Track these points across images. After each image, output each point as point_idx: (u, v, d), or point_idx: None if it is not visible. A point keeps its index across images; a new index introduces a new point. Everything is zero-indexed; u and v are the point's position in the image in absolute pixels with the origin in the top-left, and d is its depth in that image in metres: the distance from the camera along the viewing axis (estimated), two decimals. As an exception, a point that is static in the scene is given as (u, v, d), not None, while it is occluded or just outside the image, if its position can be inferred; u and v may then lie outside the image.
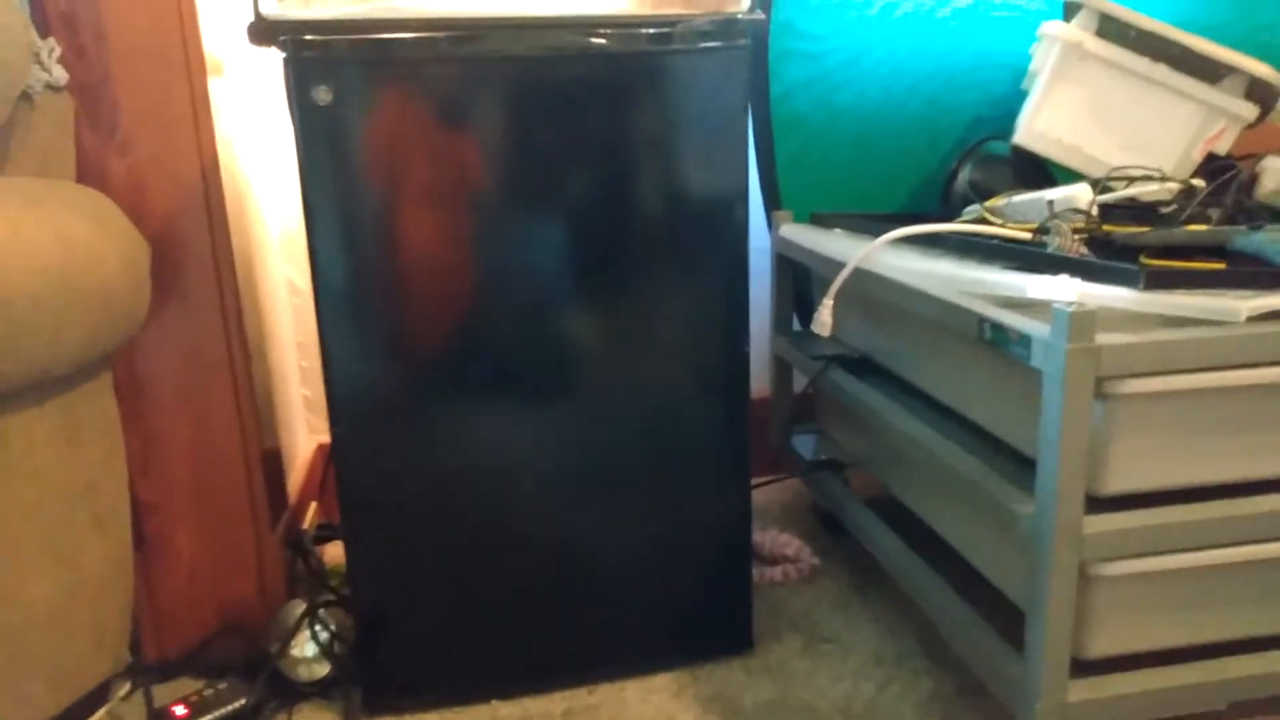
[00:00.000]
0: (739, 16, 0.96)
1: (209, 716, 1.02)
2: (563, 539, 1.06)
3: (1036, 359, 0.77)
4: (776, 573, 1.31)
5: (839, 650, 1.15)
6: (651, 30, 0.95)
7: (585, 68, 0.95)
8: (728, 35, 0.96)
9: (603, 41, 0.94)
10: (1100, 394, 0.77)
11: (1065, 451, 0.76)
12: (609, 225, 0.99)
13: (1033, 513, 0.81)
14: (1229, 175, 1.02)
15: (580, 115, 0.96)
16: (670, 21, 0.95)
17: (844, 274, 1.08)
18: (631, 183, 0.99)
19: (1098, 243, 0.95)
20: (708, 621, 1.13)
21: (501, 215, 0.96)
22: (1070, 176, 1.17)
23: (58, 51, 0.95)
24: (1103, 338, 0.75)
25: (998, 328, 0.82)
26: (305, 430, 1.56)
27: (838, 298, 1.09)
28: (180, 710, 1.02)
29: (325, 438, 1.53)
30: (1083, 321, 0.73)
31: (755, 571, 1.29)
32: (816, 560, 1.34)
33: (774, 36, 1.35)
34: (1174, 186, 1.02)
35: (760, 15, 0.98)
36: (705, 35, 0.96)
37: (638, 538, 1.08)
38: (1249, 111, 1.14)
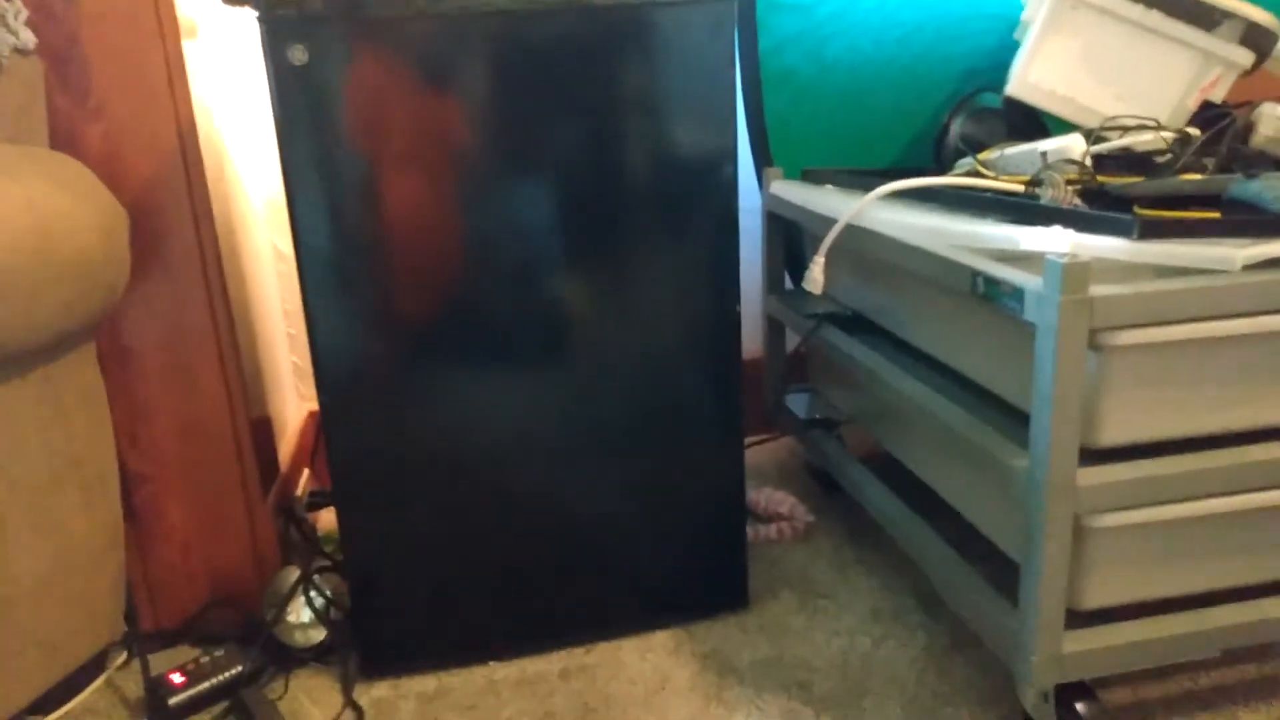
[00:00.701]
0: (725, -32, 0.94)
1: (206, 684, 1.02)
2: (556, 501, 1.05)
3: (1030, 312, 0.76)
4: (771, 530, 1.31)
5: (834, 607, 1.15)
6: (636, -18, 0.93)
7: (569, 23, 0.93)
8: (714, -12, 0.94)
9: (585, -5, 0.92)
10: (1094, 345, 0.76)
11: (1059, 404, 0.75)
12: (595, 184, 0.97)
13: (1027, 466, 0.80)
14: (1224, 123, 1.00)
15: (564, 72, 0.94)
16: (655, -27, 0.93)
17: (835, 231, 1.06)
18: (618, 140, 0.97)
19: (1091, 193, 0.93)
20: (704, 580, 1.13)
21: (485, 176, 0.95)
22: (1064, 128, 1.15)
23: (24, 13, 0.92)
24: (1096, 289, 0.74)
25: (991, 281, 0.81)
26: (295, 397, 1.55)
27: (830, 255, 1.07)
28: (177, 678, 1.02)
29: (315, 405, 1.52)
30: (1076, 273, 0.72)
31: (750, 530, 1.29)
32: (811, 518, 1.34)
33: (762, -12, 1.33)
34: (1169, 136, 1.00)
35: (747, -33, 0.95)
36: (691, -12, 0.94)
37: (632, 498, 1.07)
38: (1245, 58, 1.12)
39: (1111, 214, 0.83)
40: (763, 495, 1.37)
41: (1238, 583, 0.88)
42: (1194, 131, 1.02)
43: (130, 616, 1.11)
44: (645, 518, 1.08)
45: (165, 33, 1.00)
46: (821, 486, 1.46)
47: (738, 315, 1.05)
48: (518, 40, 0.92)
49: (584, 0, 0.92)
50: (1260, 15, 1.11)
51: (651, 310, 1.02)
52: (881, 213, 1.03)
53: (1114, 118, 1.08)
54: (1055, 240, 0.82)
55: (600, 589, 1.09)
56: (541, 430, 1.03)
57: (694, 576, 1.12)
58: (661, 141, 0.98)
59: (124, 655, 1.10)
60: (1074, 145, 1.00)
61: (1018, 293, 0.77)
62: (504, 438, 1.02)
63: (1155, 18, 1.12)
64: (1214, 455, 0.82)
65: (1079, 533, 0.81)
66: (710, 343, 1.05)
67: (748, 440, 1.11)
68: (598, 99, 0.95)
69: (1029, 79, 1.18)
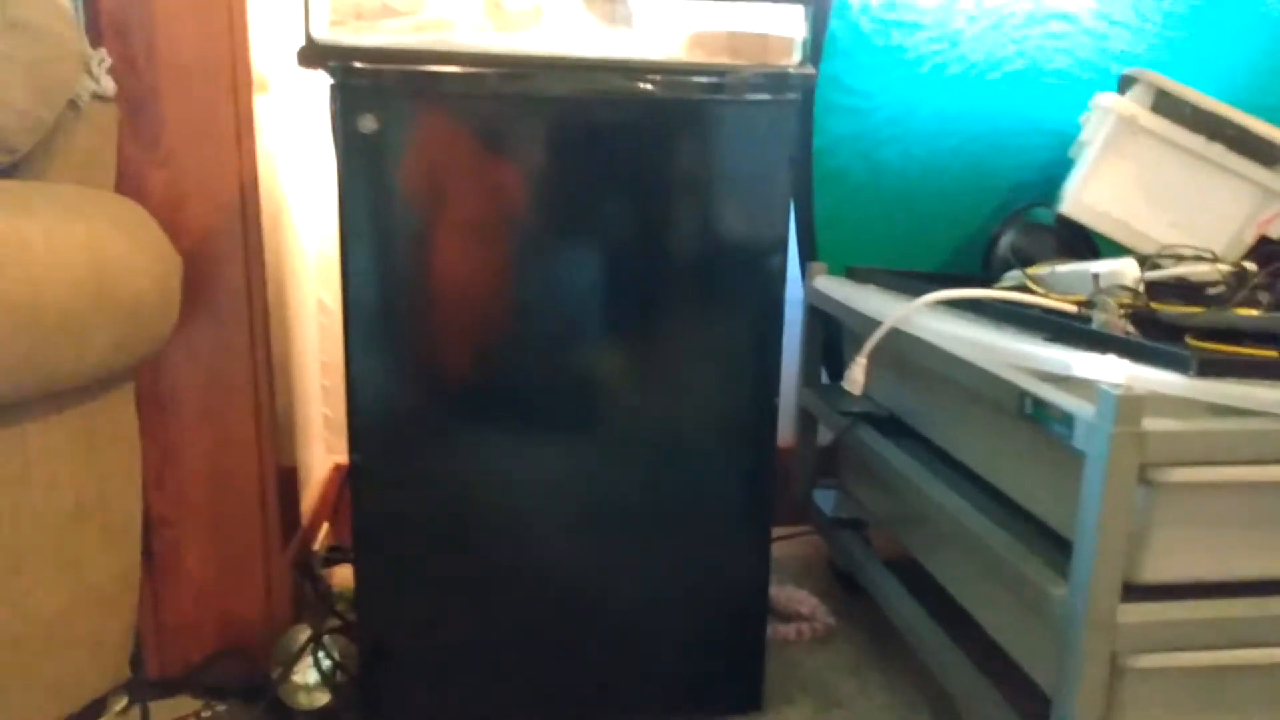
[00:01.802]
0: (790, 70, 0.96)
1: (204, 740, 1.00)
2: (576, 579, 1.04)
3: (1080, 440, 0.74)
4: (790, 630, 1.28)
5: (851, 717, 1.11)
6: (701, 79, 0.94)
7: (632, 111, 0.94)
8: (777, 88, 0.96)
9: (650, 87, 0.93)
10: (1144, 480, 0.74)
11: (1104, 537, 0.73)
12: (644, 266, 0.98)
13: (1065, 596, 0.78)
14: (1282, 260, 0.99)
15: (624, 157, 0.95)
16: (720, 71, 0.94)
17: (880, 333, 1.06)
18: (669, 226, 0.98)
19: (1143, 320, 0.92)
20: (718, 676, 1.10)
21: (537, 250, 0.95)
22: (1115, 249, 1.15)
23: (108, 62, 0.95)
24: (1150, 423, 0.72)
25: (1040, 404, 0.80)
26: (323, 449, 1.55)
27: (870, 355, 1.07)
28: (176, 732, 1.00)
29: (342, 457, 1.52)
30: (1130, 406, 0.71)
31: (769, 628, 1.26)
32: (832, 620, 1.31)
33: (820, 89, 1.35)
34: (1224, 268, 1.00)
35: (810, 70, 0.97)
36: (755, 87, 0.95)
37: (653, 583, 1.05)
38: (1303, 195, 1.12)
39: (1167, 346, 0.82)
40: (783, 592, 1.34)
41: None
42: (1250, 266, 1.01)
43: (136, 662, 1.10)
44: (664, 605, 1.06)
45: (239, 88, 1.03)
46: (844, 587, 1.43)
47: (775, 407, 1.04)
48: (582, 124, 0.93)
49: (648, 93, 0.94)
50: (1320, 155, 1.11)
51: (690, 393, 1.02)
52: (926, 319, 1.03)
53: (1169, 245, 1.08)
54: (1110, 369, 0.81)
55: (612, 673, 1.07)
56: (569, 505, 1.02)
57: (709, 670, 1.09)
58: (712, 230, 0.98)
59: (125, 701, 1.08)
60: (1127, 270, 1.00)
61: (1068, 419, 0.76)
62: (530, 510, 1.01)
63: (1216, 150, 1.12)
64: (1263, 602, 0.79)
65: (1116, 671, 0.79)
66: (745, 432, 1.04)
67: (773, 534, 1.09)
68: (654, 184, 0.96)
69: (1083, 199, 1.19)
